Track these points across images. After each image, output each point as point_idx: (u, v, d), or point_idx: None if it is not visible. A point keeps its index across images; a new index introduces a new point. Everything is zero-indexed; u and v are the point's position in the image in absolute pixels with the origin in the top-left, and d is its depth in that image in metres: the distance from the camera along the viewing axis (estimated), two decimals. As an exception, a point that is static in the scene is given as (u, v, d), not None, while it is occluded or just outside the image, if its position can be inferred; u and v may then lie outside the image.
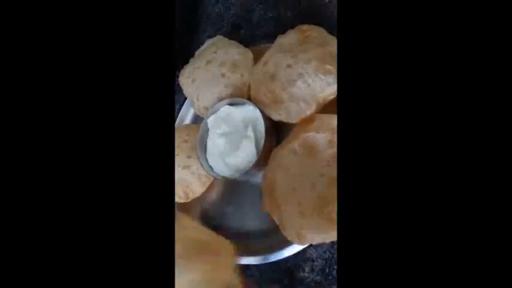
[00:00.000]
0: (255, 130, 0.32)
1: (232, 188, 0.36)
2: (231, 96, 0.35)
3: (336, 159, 0.27)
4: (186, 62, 0.40)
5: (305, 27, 0.33)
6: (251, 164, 0.31)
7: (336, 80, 0.29)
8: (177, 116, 0.42)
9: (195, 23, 0.47)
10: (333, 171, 0.27)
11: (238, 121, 0.33)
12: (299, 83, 0.29)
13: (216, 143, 0.34)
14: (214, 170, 0.34)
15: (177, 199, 0.37)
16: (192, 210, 0.38)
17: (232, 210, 0.36)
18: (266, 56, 0.33)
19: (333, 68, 0.29)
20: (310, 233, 0.26)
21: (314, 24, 0.33)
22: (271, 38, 0.34)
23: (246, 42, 0.38)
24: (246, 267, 0.33)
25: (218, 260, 0.23)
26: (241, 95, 0.35)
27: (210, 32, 0.45)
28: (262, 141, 0.31)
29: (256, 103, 0.33)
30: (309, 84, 0.29)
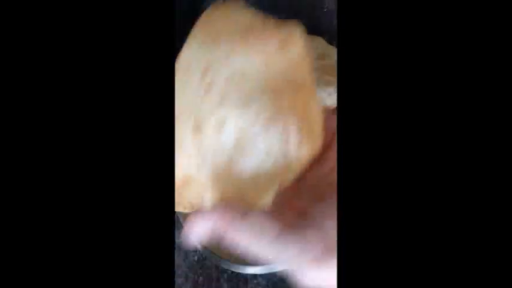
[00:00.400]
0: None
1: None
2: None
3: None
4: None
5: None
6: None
7: (336, 89, 0.29)
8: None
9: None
10: None
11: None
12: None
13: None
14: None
15: (182, 209, 0.37)
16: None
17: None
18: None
19: (332, 78, 0.29)
20: None
21: (312, 33, 0.33)
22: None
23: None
24: (253, 277, 0.33)
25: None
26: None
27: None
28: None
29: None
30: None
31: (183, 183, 0.22)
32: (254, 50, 0.20)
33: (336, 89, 0.29)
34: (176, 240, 0.38)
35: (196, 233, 0.20)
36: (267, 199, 0.20)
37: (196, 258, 0.38)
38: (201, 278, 0.37)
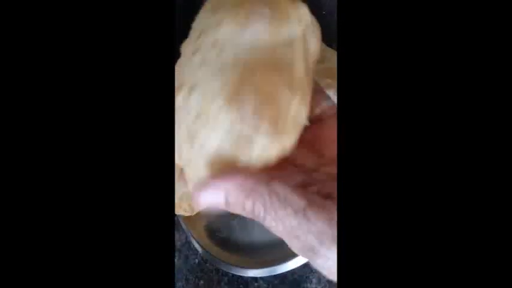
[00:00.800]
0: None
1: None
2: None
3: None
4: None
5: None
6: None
7: (336, 92, 0.29)
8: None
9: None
10: None
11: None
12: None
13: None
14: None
15: (182, 212, 0.37)
16: (197, 223, 0.38)
17: (239, 223, 0.36)
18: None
19: (332, 81, 0.29)
20: None
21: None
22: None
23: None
24: (253, 280, 0.33)
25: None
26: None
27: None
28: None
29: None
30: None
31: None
32: (242, 20, 0.19)
33: (336, 91, 0.29)
34: (177, 243, 0.38)
35: (209, 195, 0.19)
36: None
37: (196, 261, 0.38)
38: (201, 281, 0.37)
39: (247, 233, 0.35)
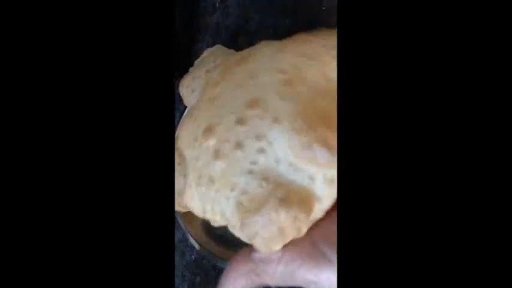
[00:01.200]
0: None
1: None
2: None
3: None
4: (186, 71, 0.40)
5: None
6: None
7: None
8: (178, 124, 0.42)
9: (194, 33, 0.47)
10: None
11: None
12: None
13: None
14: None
15: (180, 208, 0.36)
16: (194, 220, 0.38)
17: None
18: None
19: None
20: None
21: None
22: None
23: (244, 51, 0.38)
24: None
25: None
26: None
27: (208, 42, 0.45)
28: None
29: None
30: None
31: None
32: None
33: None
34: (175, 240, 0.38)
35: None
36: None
37: (193, 257, 0.38)
38: (198, 278, 0.37)
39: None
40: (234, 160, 0.21)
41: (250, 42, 0.42)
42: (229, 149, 0.21)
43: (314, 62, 0.23)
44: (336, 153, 0.19)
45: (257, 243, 0.20)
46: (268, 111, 0.21)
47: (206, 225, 0.38)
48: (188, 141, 0.24)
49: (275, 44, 0.26)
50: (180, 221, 0.39)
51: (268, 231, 0.19)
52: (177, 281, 0.37)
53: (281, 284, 0.20)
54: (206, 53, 0.42)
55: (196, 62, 0.42)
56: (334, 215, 0.20)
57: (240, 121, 0.21)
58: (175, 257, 0.38)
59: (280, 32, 0.39)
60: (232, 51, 0.40)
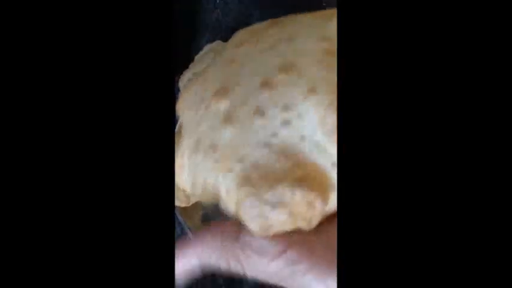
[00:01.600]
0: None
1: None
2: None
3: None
4: (186, 67, 0.40)
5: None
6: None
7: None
8: (177, 123, 0.42)
9: (194, 29, 0.47)
10: None
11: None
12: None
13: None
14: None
15: (178, 203, 0.36)
16: (193, 214, 0.38)
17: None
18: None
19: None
20: None
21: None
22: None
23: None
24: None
25: None
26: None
27: (208, 38, 0.45)
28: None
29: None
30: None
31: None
32: None
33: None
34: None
35: (181, 266, 0.18)
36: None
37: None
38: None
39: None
40: (249, 128, 0.18)
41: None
42: (246, 115, 0.18)
43: None
44: None
45: (255, 224, 0.17)
46: (304, 78, 0.18)
47: (206, 219, 0.38)
48: (192, 102, 0.21)
49: (319, 12, 0.22)
50: (178, 215, 0.39)
51: (276, 213, 0.17)
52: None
53: (269, 281, 0.17)
54: (206, 49, 0.42)
55: (196, 57, 0.42)
56: None
57: (266, 84, 0.18)
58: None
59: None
60: (232, 47, 0.40)
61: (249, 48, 0.21)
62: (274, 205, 0.17)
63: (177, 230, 0.38)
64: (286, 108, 0.18)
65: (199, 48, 0.42)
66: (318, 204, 0.17)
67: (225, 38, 0.43)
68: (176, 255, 0.18)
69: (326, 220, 0.18)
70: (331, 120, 0.17)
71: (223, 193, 0.18)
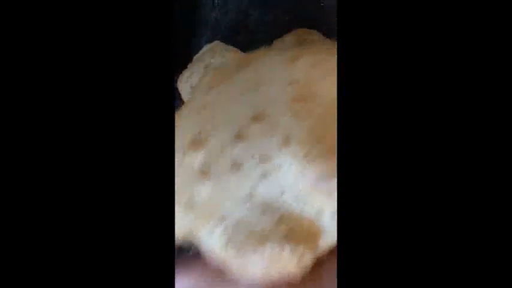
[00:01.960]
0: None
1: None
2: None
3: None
4: (185, 67, 0.40)
5: (301, 31, 0.33)
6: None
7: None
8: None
9: (193, 29, 0.47)
10: None
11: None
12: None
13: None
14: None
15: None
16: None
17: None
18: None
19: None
20: None
21: (311, 28, 0.33)
22: (268, 42, 0.34)
23: (243, 47, 0.38)
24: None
25: None
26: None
27: (208, 38, 0.45)
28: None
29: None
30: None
31: None
32: None
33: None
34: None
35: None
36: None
37: (190, 253, 0.38)
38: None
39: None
40: (227, 183, 0.18)
41: (250, 39, 0.42)
42: (222, 169, 0.18)
43: (329, 75, 0.19)
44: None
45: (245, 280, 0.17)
46: (277, 128, 0.18)
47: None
48: None
49: (285, 52, 0.22)
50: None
51: (266, 272, 0.17)
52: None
53: None
54: (205, 48, 0.42)
55: (195, 57, 0.42)
56: None
57: (241, 136, 0.18)
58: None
59: (280, 29, 0.39)
60: (231, 47, 0.40)
61: (221, 93, 0.21)
62: (264, 265, 0.17)
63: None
64: (263, 159, 0.17)
65: (199, 48, 0.42)
66: (307, 254, 0.17)
67: (225, 38, 0.43)
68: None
69: (317, 263, 0.18)
70: (310, 172, 0.17)
71: (207, 251, 0.18)
